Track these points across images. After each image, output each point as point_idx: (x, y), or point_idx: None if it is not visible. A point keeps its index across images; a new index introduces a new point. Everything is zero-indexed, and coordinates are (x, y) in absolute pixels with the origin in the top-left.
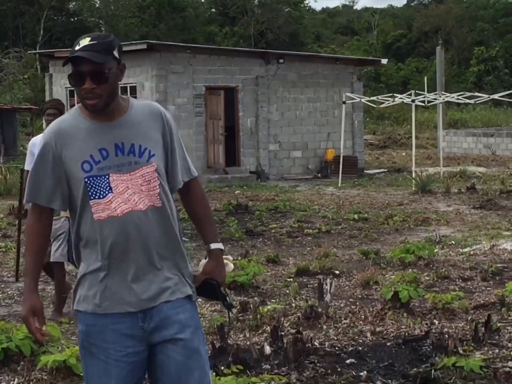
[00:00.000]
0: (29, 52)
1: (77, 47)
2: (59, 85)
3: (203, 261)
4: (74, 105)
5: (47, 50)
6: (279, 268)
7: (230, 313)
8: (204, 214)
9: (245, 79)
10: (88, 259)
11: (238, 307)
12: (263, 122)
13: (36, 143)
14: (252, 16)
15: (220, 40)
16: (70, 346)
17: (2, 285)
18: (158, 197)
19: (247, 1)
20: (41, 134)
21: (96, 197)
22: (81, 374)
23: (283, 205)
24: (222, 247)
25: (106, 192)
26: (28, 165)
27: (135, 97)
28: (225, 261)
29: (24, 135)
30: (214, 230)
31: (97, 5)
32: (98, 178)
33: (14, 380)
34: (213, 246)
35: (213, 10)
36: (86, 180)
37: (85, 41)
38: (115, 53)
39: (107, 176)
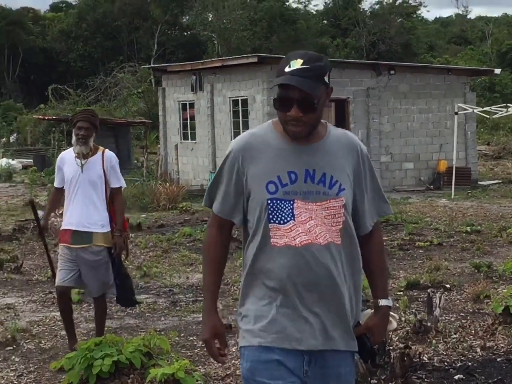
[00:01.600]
0: (143, 66)
1: (287, 68)
2: (172, 99)
3: (367, 311)
4: (186, 119)
5: (160, 65)
6: (389, 282)
7: (372, 371)
8: (379, 266)
9: (356, 90)
10: (258, 289)
11: None
12: (374, 133)
13: (64, 157)
14: (364, 27)
15: (332, 51)
16: (179, 359)
17: (115, 298)
18: (339, 233)
19: (359, 12)
20: (71, 149)
21: (277, 221)
22: None
23: (395, 217)
24: (391, 304)
25: (288, 219)
26: (55, 183)
27: (246, 111)
28: (389, 318)
29: (139, 148)
30: (386, 284)
31: (210, 19)
32: (282, 202)
33: None
34: (382, 302)
35: (325, 21)
36: (268, 201)
37: (296, 63)
38: (326, 78)
39: (291, 202)
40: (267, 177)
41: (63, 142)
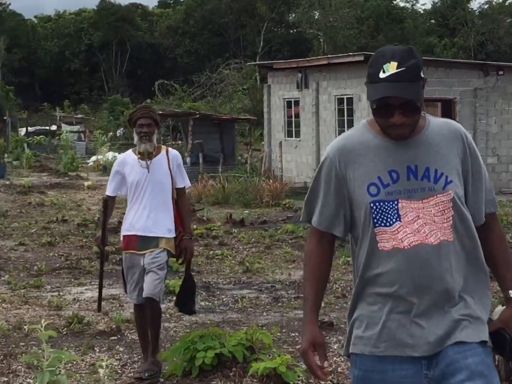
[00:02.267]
0: (249, 63)
1: (381, 74)
2: (277, 96)
3: (499, 308)
4: (291, 116)
5: (266, 62)
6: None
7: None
8: (503, 256)
9: (463, 91)
10: (368, 295)
11: None
12: (481, 134)
13: (125, 160)
14: (472, 27)
15: (439, 51)
16: (281, 354)
17: (218, 292)
18: (451, 230)
19: (467, 12)
20: (130, 151)
21: (382, 224)
22: (291, 383)
23: (500, 219)
24: None
25: (394, 220)
26: (109, 190)
27: (352, 109)
28: None
29: (243, 144)
30: None
31: (316, 17)
32: (386, 203)
33: None
34: None
35: (432, 21)
36: (371, 205)
37: (390, 68)
38: (422, 74)
39: (395, 202)
40: (368, 179)
41: (168, 137)
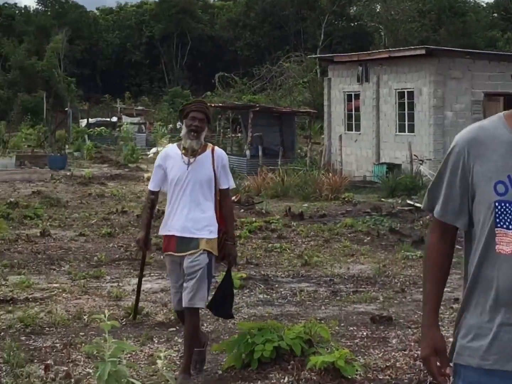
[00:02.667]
0: (309, 56)
1: None
2: (337, 89)
3: None
4: (351, 110)
5: (327, 55)
6: None
7: None
8: None
9: None
10: (478, 302)
11: None
12: None
13: (169, 154)
14: None
15: (502, 45)
16: (339, 348)
17: (277, 285)
18: None
19: None
20: (174, 145)
21: (504, 226)
22: (349, 377)
23: None
24: None
25: None
26: (151, 185)
27: (412, 103)
28: None
29: (302, 138)
30: None
31: (378, 10)
32: None
33: (284, 378)
34: None
35: (495, 14)
36: (496, 204)
37: None
38: None
39: None
40: (496, 177)
41: (228, 129)
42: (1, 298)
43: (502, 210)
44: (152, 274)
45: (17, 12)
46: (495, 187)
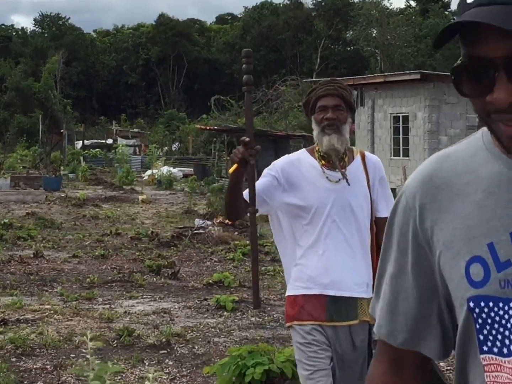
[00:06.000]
0: (305, 80)
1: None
2: None
3: None
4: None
5: (323, 79)
6: None
7: None
8: None
9: None
10: None
11: None
12: None
13: (295, 164)
14: None
15: None
16: None
17: (269, 308)
18: None
19: None
20: (300, 152)
21: (494, 349)
22: None
23: None
24: None
25: None
26: (262, 208)
27: (407, 127)
28: None
29: None
30: None
31: (374, 35)
32: (501, 304)
33: None
34: None
35: None
36: (470, 304)
37: None
38: None
39: None
40: (468, 249)
41: (224, 152)
42: None
43: (485, 316)
44: (144, 296)
45: (14, 33)
46: (468, 269)
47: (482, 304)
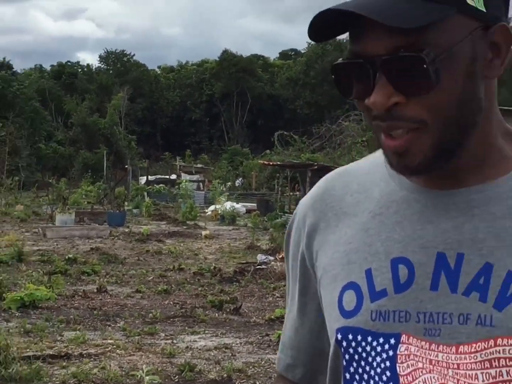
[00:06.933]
0: None
1: None
2: None
3: None
4: None
5: None
6: None
7: None
8: None
9: None
10: None
11: None
12: None
13: None
14: None
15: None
16: None
17: None
18: None
19: None
20: None
21: None
22: None
23: None
24: None
25: (385, 380)
26: None
27: None
28: None
29: None
30: None
31: None
32: (370, 338)
33: None
34: None
35: None
36: (338, 335)
37: None
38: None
39: (392, 339)
40: (346, 273)
41: (286, 187)
42: (56, 354)
43: (351, 350)
44: (206, 332)
45: (79, 70)
46: (341, 297)
47: (350, 337)
